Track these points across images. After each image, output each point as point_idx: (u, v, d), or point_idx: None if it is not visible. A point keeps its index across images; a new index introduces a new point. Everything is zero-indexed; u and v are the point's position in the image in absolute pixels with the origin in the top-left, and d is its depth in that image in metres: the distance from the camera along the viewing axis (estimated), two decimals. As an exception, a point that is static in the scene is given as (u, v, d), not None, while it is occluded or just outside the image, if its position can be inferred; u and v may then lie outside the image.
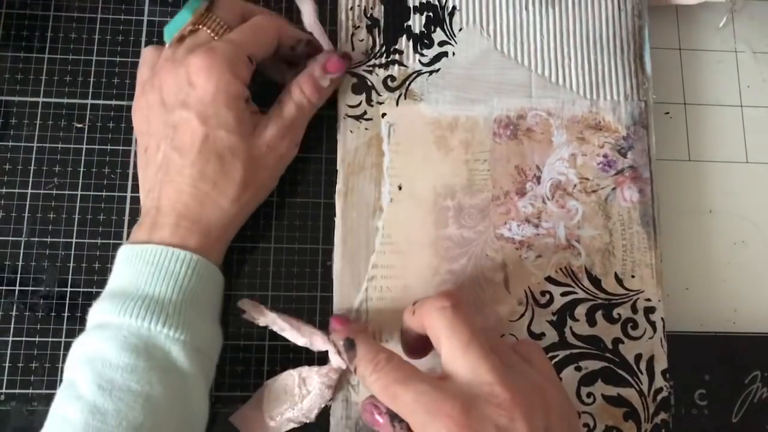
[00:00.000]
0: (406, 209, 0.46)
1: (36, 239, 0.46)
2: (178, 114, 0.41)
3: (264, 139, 0.43)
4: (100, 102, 0.48)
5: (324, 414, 0.43)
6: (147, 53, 0.45)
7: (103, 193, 0.47)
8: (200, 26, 0.43)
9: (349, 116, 0.47)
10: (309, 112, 0.45)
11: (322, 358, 0.45)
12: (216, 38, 0.43)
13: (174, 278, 0.39)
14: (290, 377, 0.42)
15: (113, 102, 0.48)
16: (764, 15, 0.55)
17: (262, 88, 0.47)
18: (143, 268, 0.39)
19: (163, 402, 0.37)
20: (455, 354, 0.35)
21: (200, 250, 0.40)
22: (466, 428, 0.33)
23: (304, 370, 0.42)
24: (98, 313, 0.39)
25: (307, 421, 0.42)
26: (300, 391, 0.41)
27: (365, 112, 0.47)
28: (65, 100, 0.48)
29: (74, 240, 0.46)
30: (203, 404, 0.40)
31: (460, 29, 0.49)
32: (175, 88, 0.42)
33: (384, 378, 0.36)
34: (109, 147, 0.47)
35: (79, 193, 0.46)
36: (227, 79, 0.41)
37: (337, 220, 0.46)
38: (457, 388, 0.34)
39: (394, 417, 0.37)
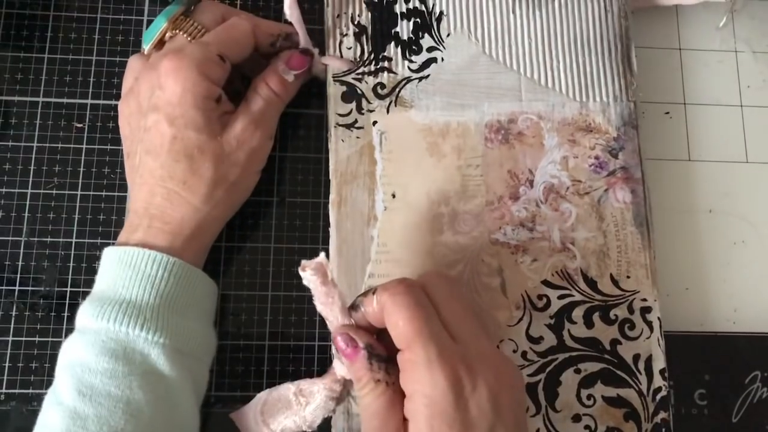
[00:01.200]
0: (400, 217, 0.46)
1: (36, 239, 0.46)
2: (150, 117, 0.42)
3: (233, 135, 0.43)
4: (100, 102, 0.48)
5: (324, 426, 0.42)
6: (132, 61, 0.46)
7: (103, 193, 0.47)
8: (177, 31, 0.44)
9: (340, 125, 0.47)
10: (278, 105, 0.46)
11: (321, 360, 0.45)
12: (194, 33, 0.44)
13: (150, 281, 0.39)
14: (287, 389, 0.42)
15: (113, 102, 0.48)
16: (764, 15, 0.55)
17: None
18: (120, 271, 0.39)
19: (146, 406, 0.37)
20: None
21: (173, 251, 0.40)
22: (465, 381, 0.34)
23: (303, 383, 0.42)
24: (80, 317, 0.39)
25: (309, 431, 0.42)
26: (297, 399, 0.41)
27: (356, 121, 0.47)
28: (65, 100, 0.48)
29: (74, 240, 0.46)
30: (191, 407, 0.40)
31: (448, 35, 0.49)
32: (148, 92, 0.42)
33: (410, 297, 0.35)
34: (109, 147, 0.47)
35: (79, 193, 0.47)
36: (194, 80, 0.41)
37: (332, 230, 0.46)
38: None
39: (372, 355, 0.36)
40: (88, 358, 0.37)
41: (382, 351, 0.37)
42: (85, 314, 0.39)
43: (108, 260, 0.41)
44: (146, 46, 0.44)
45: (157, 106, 0.41)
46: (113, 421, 0.36)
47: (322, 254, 0.38)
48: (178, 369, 0.38)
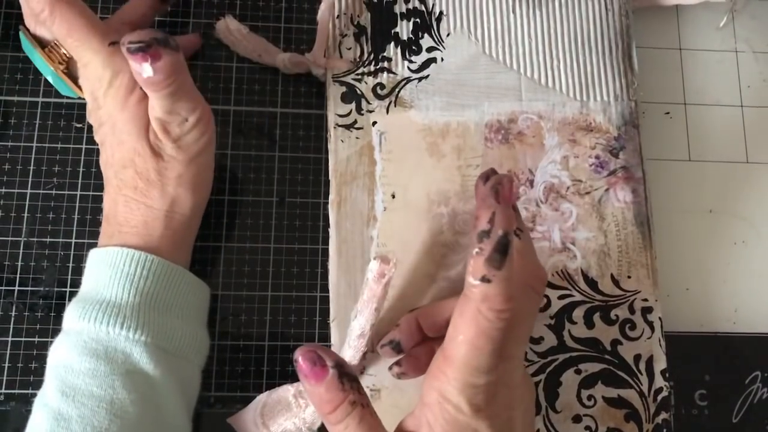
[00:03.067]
0: (400, 217, 0.46)
1: (35, 239, 0.46)
2: (100, 132, 0.42)
3: (152, 133, 0.41)
4: (100, 102, 0.48)
5: (324, 428, 0.42)
6: None
7: (103, 193, 0.46)
8: (50, 51, 0.44)
9: (340, 126, 0.47)
10: (169, 90, 0.38)
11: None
12: (66, 53, 0.43)
13: (129, 279, 0.39)
14: (287, 391, 0.42)
15: (113, 102, 0.48)
16: (764, 15, 0.55)
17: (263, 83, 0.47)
18: (102, 271, 0.39)
19: (130, 406, 0.37)
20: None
21: (150, 250, 0.40)
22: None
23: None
24: (65, 318, 0.39)
25: None
26: (297, 400, 0.41)
27: (356, 121, 0.47)
28: (65, 100, 0.48)
29: (74, 240, 0.46)
30: (177, 407, 0.39)
31: (448, 34, 0.49)
32: (96, 110, 0.42)
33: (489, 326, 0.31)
34: (108, 147, 0.47)
35: (79, 193, 0.46)
36: (108, 78, 0.41)
37: (332, 230, 0.46)
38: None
39: (343, 374, 0.32)
40: (70, 358, 0.37)
41: (352, 370, 0.34)
42: (69, 315, 0.39)
43: (91, 261, 0.41)
44: (75, 93, 0.45)
45: (101, 120, 0.42)
46: (96, 422, 0.36)
47: (393, 261, 0.39)
48: (162, 368, 0.38)
